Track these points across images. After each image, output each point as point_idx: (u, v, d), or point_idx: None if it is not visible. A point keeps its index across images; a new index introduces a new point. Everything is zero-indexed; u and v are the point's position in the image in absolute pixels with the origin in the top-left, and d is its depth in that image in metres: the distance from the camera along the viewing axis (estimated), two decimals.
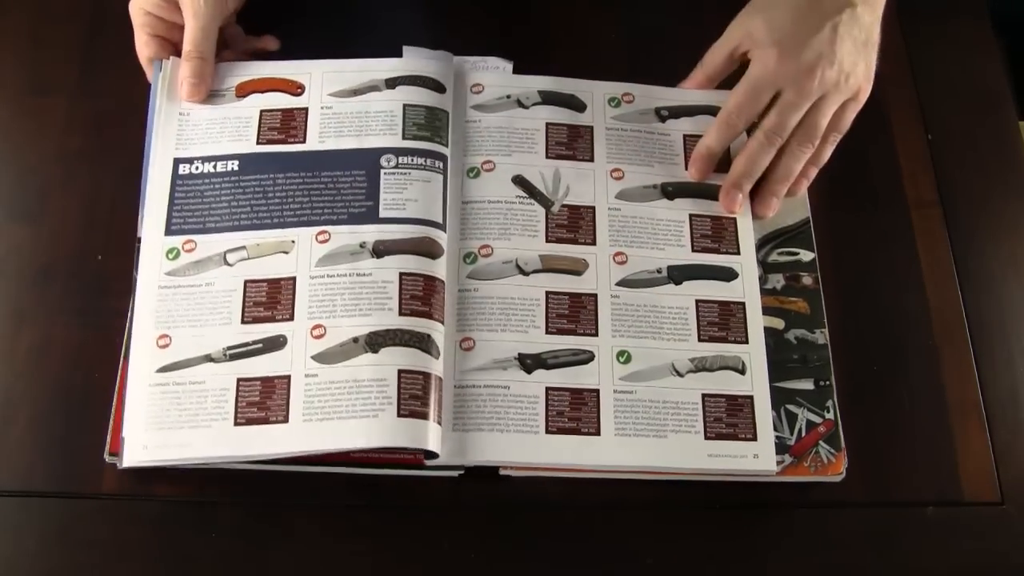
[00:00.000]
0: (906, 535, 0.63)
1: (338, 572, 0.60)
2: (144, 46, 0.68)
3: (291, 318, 0.61)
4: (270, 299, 0.61)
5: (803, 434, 0.63)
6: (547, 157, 0.69)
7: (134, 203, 0.66)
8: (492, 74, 0.72)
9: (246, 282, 0.62)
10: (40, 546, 0.59)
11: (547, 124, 0.70)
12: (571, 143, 0.70)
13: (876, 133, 0.74)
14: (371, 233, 0.63)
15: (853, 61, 0.65)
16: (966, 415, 0.66)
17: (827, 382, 0.64)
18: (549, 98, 0.71)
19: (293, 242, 0.63)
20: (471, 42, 0.72)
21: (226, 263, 0.63)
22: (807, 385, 0.64)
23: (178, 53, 0.67)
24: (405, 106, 0.67)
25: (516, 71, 0.73)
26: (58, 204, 0.68)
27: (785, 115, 0.65)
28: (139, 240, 0.64)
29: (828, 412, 0.63)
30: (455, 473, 0.61)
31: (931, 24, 0.79)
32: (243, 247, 0.63)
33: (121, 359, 0.62)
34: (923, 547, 0.63)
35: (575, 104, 0.71)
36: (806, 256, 0.68)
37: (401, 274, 0.62)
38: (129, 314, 0.63)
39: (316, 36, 0.74)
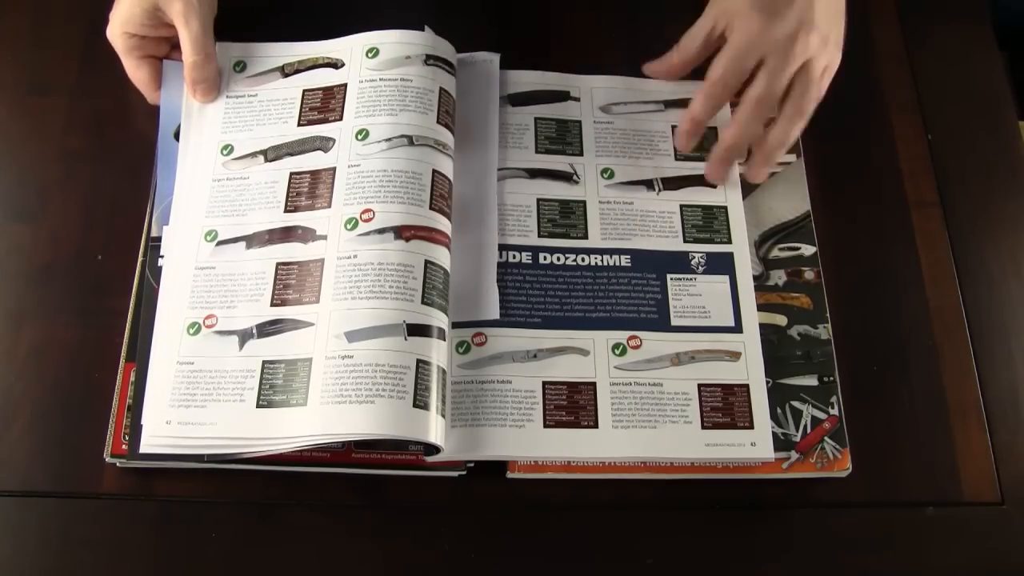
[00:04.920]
0: (906, 535, 0.63)
1: (338, 572, 0.60)
2: (136, 69, 0.68)
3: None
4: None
5: (808, 430, 0.63)
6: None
7: (135, 203, 0.66)
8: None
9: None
10: (40, 546, 0.59)
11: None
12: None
13: (876, 133, 0.75)
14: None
15: (830, 27, 0.65)
16: (966, 415, 0.66)
17: (831, 378, 0.64)
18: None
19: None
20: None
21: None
22: (811, 381, 0.64)
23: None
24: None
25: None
26: (58, 204, 0.68)
27: (773, 82, 0.65)
28: (147, 234, 0.65)
29: (833, 408, 0.63)
30: (456, 473, 0.61)
31: (931, 24, 0.79)
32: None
33: (121, 359, 0.62)
34: (923, 547, 0.63)
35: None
36: (807, 251, 0.68)
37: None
38: (130, 311, 0.63)
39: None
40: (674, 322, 0.65)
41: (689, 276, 0.66)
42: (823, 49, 0.65)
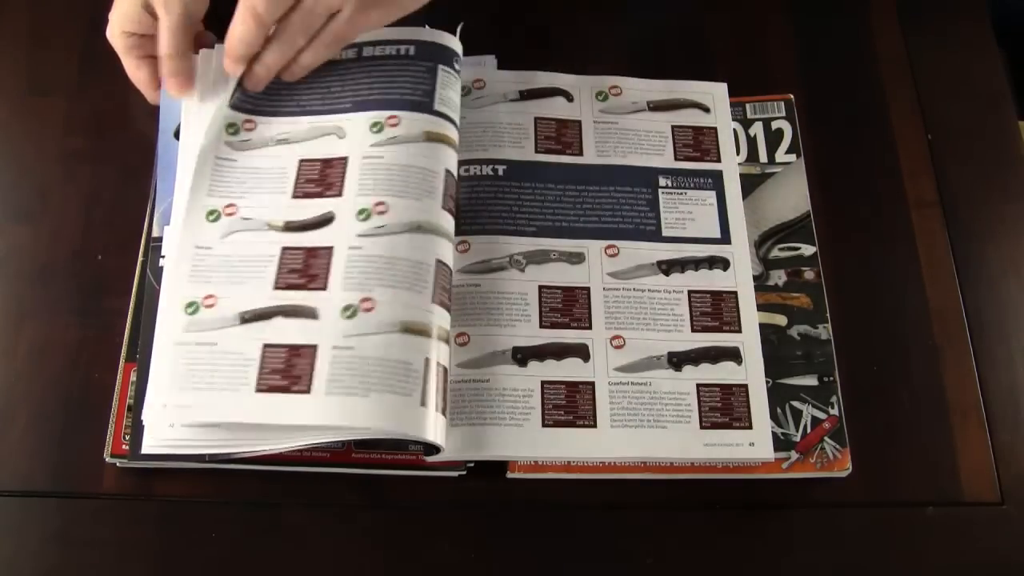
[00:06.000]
0: (906, 535, 0.63)
1: (338, 572, 0.60)
2: (136, 69, 0.67)
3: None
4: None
5: (808, 430, 0.63)
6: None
7: (135, 203, 0.66)
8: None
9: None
10: (40, 546, 0.59)
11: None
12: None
13: (876, 133, 0.74)
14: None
15: None
16: (966, 415, 0.66)
17: (831, 378, 0.64)
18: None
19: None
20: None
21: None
22: (811, 381, 0.64)
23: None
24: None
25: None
26: (58, 204, 0.68)
27: None
28: (147, 234, 0.65)
29: (833, 408, 0.63)
30: (455, 473, 0.61)
31: (931, 24, 0.79)
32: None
33: (121, 359, 0.62)
34: (923, 547, 0.63)
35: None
36: (807, 251, 0.68)
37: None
38: (130, 311, 0.63)
39: None
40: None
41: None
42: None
